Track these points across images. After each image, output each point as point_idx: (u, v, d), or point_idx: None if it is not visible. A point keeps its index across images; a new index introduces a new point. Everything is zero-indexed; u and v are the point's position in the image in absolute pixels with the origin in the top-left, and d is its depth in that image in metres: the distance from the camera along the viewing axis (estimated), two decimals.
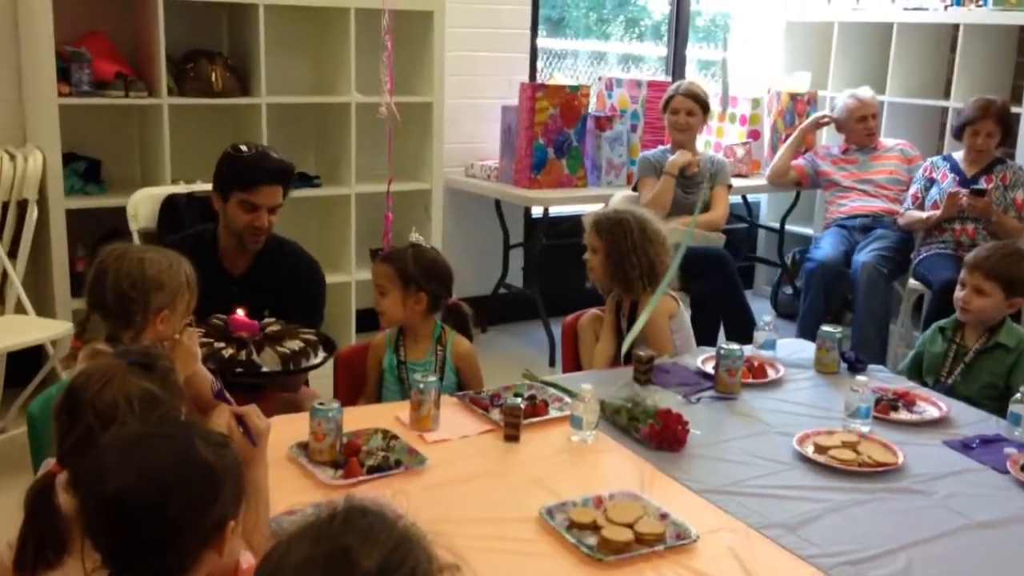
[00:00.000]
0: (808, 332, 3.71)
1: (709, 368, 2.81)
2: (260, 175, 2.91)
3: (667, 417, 2.35)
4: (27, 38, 3.92)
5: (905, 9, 5.41)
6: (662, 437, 2.33)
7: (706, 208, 4.67)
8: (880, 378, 2.88)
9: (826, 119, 5.34)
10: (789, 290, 5.81)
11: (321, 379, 2.98)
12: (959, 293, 3.06)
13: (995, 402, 2.88)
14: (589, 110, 5.06)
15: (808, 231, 5.79)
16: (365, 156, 4.54)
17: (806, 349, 3.07)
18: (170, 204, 3.69)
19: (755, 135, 5.66)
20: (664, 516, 1.96)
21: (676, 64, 6.11)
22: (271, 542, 1.17)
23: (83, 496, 1.35)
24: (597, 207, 3.55)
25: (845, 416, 2.49)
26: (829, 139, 5.59)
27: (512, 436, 2.35)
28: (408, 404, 2.42)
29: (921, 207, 4.75)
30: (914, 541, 1.96)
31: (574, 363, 3.21)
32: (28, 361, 3.71)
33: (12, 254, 3.80)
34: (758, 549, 1.91)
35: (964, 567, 1.90)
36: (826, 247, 4.83)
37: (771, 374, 2.85)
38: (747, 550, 1.90)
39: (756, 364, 2.86)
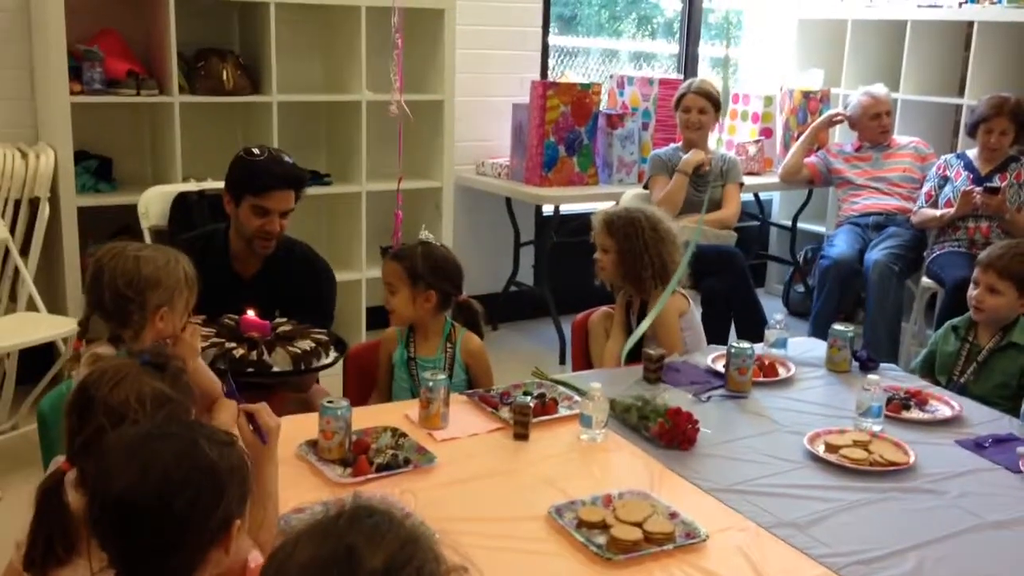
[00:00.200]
0: (821, 330, 3.68)
1: (719, 367, 2.80)
2: (272, 180, 2.90)
3: (677, 416, 2.34)
4: (39, 37, 3.93)
5: (919, 6, 5.38)
6: (672, 436, 2.32)
7: (716, 207, 4.65)
8: (892, 377, 2.86)
9: (839, 117, 5.31)
10: (801, 288, 5.79)
11: (331, 377, 2.98)
12: (972, 292, 3.05)
13: (1008, 401, 2.86)
14: (600, 108, 5.05)
15: (820, 229, 5.77)
16: (376, 154, 4.54)
17: (817, 348, 3.05)
18: (181, 202, 3.70)
19: (767, 133, 5.64)
20: (673, 515, 1.95)
21: (688, 62, 6.09)
22: (279, 540, 1.17)
23: (90, 496, 1.35)
24: (608, 205, 3.53)
25: (856, 415, 2.47)
26: (842, 137, 5.56)
27: (521, 434, 2.35)
28: (417, 402, 2.42)
29: (935, 205, 4.72)
30: (926, 541, 1.94)
31: (584, 361, 3.20)
32: (39, 358, 3.72)
33: (24, 252, 3.81)
34: (768, 548, 1.90)
35: (976, 567, 1.89)
36: (840, 245, 4.81)
37: (782, 373, 2.84)
38: (757, 549, 1.89)
39: (767, 363, 2.85)
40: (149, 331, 2.17)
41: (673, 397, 2.53)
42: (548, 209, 5.19)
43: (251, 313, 2.77)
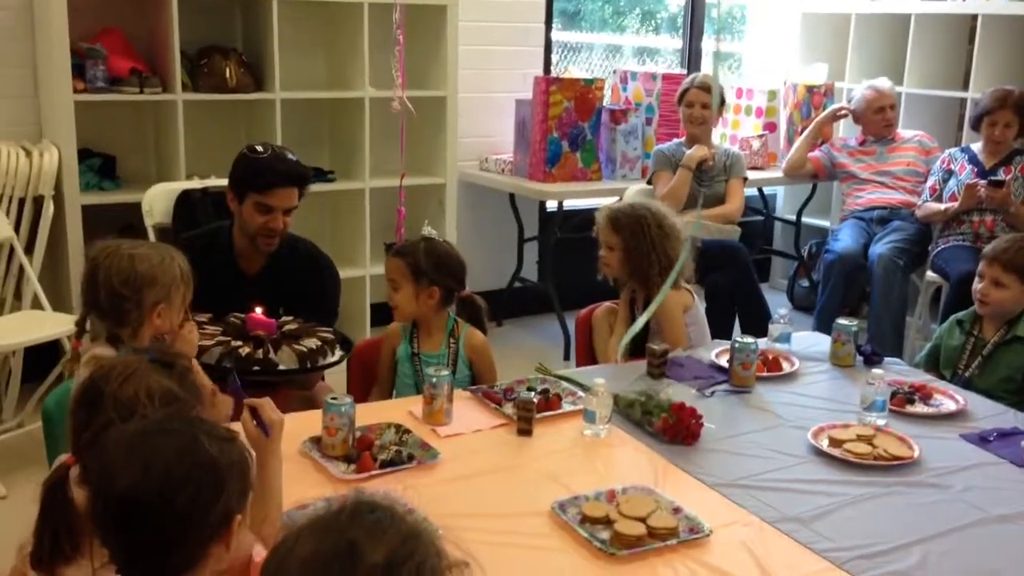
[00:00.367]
0: (826, 324, 3.68)
1: (723, 362, 2.80)
2: (276, 178, 2.90)
3: (681, 411, 2.34)
4: (42, 35, 3.93)
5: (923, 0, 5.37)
6: (675, 431, 2.32)
7: (720, 202, 4.65)
8: (896, 371, 2.86)
9: (843, 111, 5.30)
10: (805, 283, 5.78)
11: (336, 373, 2.98)
12: (977, 285, 3.04)
13: (1013, 395, 2.86)
14: (604, 103, 5.05)
15: (825, 223, 5.76)
16: (379, 151, 4.54)
17: (821, 342, 3.05)
18: (185, 199, 3.70)
19: (771, 127, 5.63)
20: (677, 510, 1.95)
21: (691, 57, 6.08)
22: (281, 535, 1.17)
23: (91, 493, 1.35)
24: (612, 200, 3.53)
25: (860, 409, 2.47)
26: (846, 131, 5.55)
27: (525, 430, 2.35)
28: (421, 398, 2.42)
29: (939, 199, 4.71)
30: (930, 535, 1.94)
31: (588, 356, 3.20)
32: (44, 356, 3.73)
33: (28, 250, 3.81)
34: (772, 543, 1.90)
35: (981, 561, 1.88)
36: (845, 239, 4.80)
37: (786, 367, 2.83)
38: (761, 544, 1.89)
39: (771, 357, 2.84)
40: (147, 329, 2.17)
41: (677, 392, 2.53)
42: (552, 205, 5.19)
43: (258, 311, 2.77)
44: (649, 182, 4.80)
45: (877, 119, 5.08)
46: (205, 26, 4.28)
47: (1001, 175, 4.47)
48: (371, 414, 2.35)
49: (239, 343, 2.67)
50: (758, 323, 4.03)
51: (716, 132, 5.17)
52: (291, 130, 4.31)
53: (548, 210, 5.35)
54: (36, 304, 3.77)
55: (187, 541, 1.30)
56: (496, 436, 2.35)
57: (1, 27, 3.99)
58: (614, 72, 5.58)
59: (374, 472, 2.09)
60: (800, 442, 2.34)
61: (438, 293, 2.73)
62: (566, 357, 4.83)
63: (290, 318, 2.86)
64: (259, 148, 2.97)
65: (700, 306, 3.18)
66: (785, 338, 2.99)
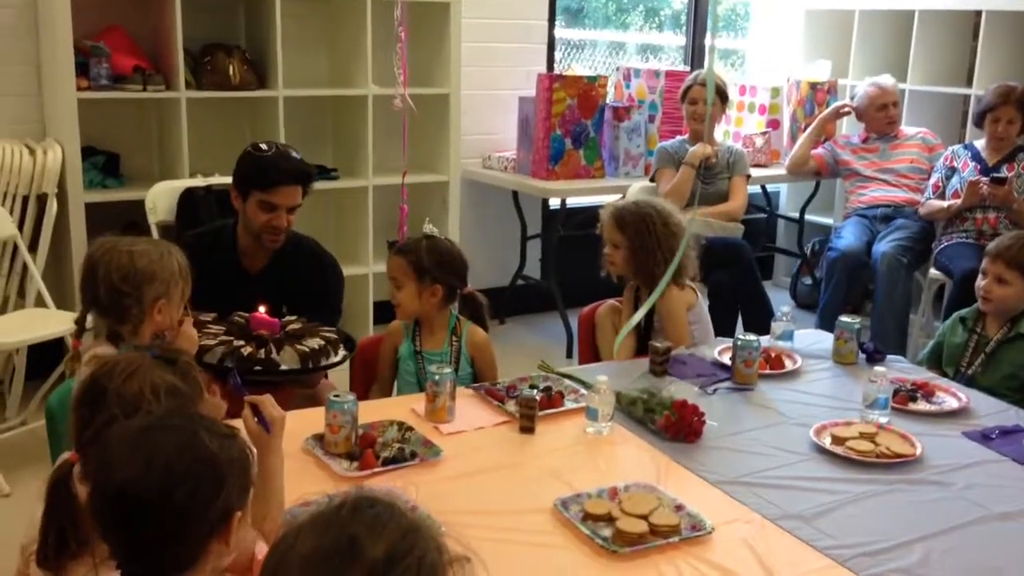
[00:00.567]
0: (829, 322, 3.68)
1: (726, 359, 2.80)
2: (279, 175, 2.90)
3: (683, 408, 2.34)
4: (46, 33, 3.94)
5: None
6: (678, 428, 2.32)
7: (723, 199, 4.65)
8: (899, 368, 2.85)
9: (846, 108, 5.29)
10: (809, 280, 5.78)
11: (339, 371, 2.98)
12: (980, 282, 3.04)
13: (1016, 393, 2.86)
14: (607, 100, 5.04)
15: (828, 221, 5.76)
16: (382, 148, 4.54)
17: (824, 340, 3.05)
18: (188, 197, 3.71)
19: (774, 124, 5.62)
20: (679, 508, 1.96)
21: (695, 54, 6.08)
22: (282, 531, 1.17)
23: (92, 488, 1.36)
24: (615, 198, 3.52)
25: (863, 407, 2.47)
26: (849, 128, 5.55)
27: (527, 428, 2.35)
28: (423, 396, 2.42)
29: (942, 196, 4.71)
30: (932, 532, 1.94)
31: (591, 354, 3.20)
32: (48, 354, 3.73)
33: (32, 248, 3.82)
34: (774, 541, 1.90)
35: (982, 559, 1.88)
36: (848, 236, 4.80)
37: (788, 365, 2.83)
38: (763, 541, 1.89)
39: (773, 355, 2.84)
40: (148, 325, 2.18)
41: (679, 390, 2.52)
42: (555, 202, 5.19)
43: (261, 310, 2.77)
44: (652, 179, 4.80)
45: (880, 116, 5.07)
46: (208, 23, 4.28)
47: (1004, 172, 4.46)
48: (374, 411, 2.36)
49: (241, 343, 2.67)
50: (761, 321, 4.03)
51: (719, 129, 5.15)
52: (294, 127, 4.31)
53: (551, 208, 5.34)
54: (40, 302, 3.78)
55: (186, 537, 1.31)
56: (498, 433, 2.36)
57: (5, 25, 3.99)
58: (617, 69, 5.58)
59: (377, 469, 2.09)
60: (802, 440, 2.34)
61: (440, 291, 2.74)
62: (568, 355, 4.83)
63: (294, 318, 2.86)
64: (263, 146, 2.97)
65: (704, 304, 3.18)
66: (788, 336, 2.99)
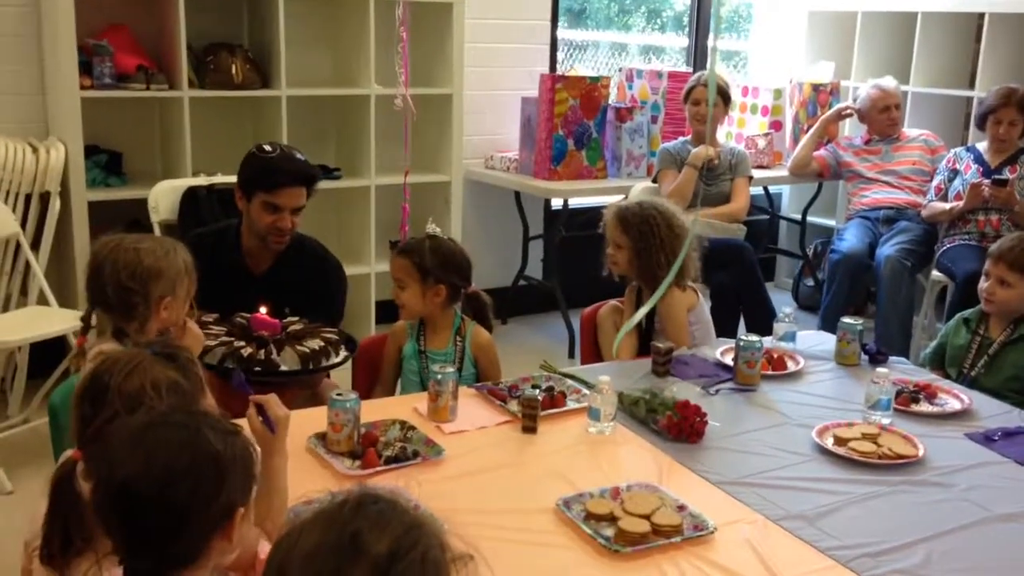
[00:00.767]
0: (831, 324, 3.68)
1: (728, 360, 2.80)
2: (284, 177, 2.90)
3: (685, 409, 2.34)
4: (49, 32, 3.94)
5: None
6: (680, 429, 2.32)
7: (725, 200, 4.65)
8: (901, 370, 2.85)
9: (848, 110, 5.29)
10: (811, 282, 5.78)
11: (341, 370, 2.99)
12: (983, 284, 3.04)
13: (1019, 394, 2.86)
14: (609, 101, 5.04)
15: (830, 223, 5.76)
16: (385, 148, 4.54)
17: (826, 341, 3.05)
18: (190, 196, 3.71)
19: (777, 126, 5.62)
20: (681, 508, 1.96)
21: (697, 55, 6.08)
22: (285, 529, 1.17)
23: (94, 483, 1.36)
24: (617, 199, 3.52)
25: (865, 408, 2.47)
26: (852, 130, 5.55)
27: (530, 427, 2.35)
28: (426, 395, 2.42)
29: (944, 198, 4.71)
30: (934, 534, 1.94)
31: (593, 354, 3.20)
32: (50, 352, 3.74)
33: (35, 246, 3.82)
34: (776, 541, 1.90)
35: (985, 560, 1.88)
36: (851, 239, 4.79)
37: (790, 366, 2.83)
38: (765, 542, 1.89)
39: (775, 356, 2.84)
40: (154, 322, 2.18)
41: (681, 390, 2.53)
42: (557, 203, 5.19)
43: (263, 311, 2.77)
44: (654, 180, 4.80)
45: (882, 118, 5.07)
46: (211, 23, 4.28)
47: (1006, 174, 4.46)
48: (376, 410, 2.36)
49: (242, 343, 2.67)
50: (763, 322, 4.03)
51: (721, 130, 5.15)
52: (297, 127, 4.31)
53: (553, 208, 5.35)
54: (42, 300, 3.78)
55: (189, 533, 1.31)
56: (501, 433, 2.36)
57: (8, 24, 4.00)
58: (620, 70, 5.58)
59: (379, 468, 2.09)
60: (805, 440, 2.34)
61: (444, 291, 2.74)
62: (570, 355, 4.84)
63: (295, 319, 2.86)
64: (267, 147, 2.97)
65: (705, 305, 3.18)
66: (790, 337, 2.99)
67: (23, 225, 3.80)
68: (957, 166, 4.71)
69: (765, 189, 5.81)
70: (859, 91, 5.30)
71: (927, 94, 5.39)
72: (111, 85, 3.94)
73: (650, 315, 2.98)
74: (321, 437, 2.19)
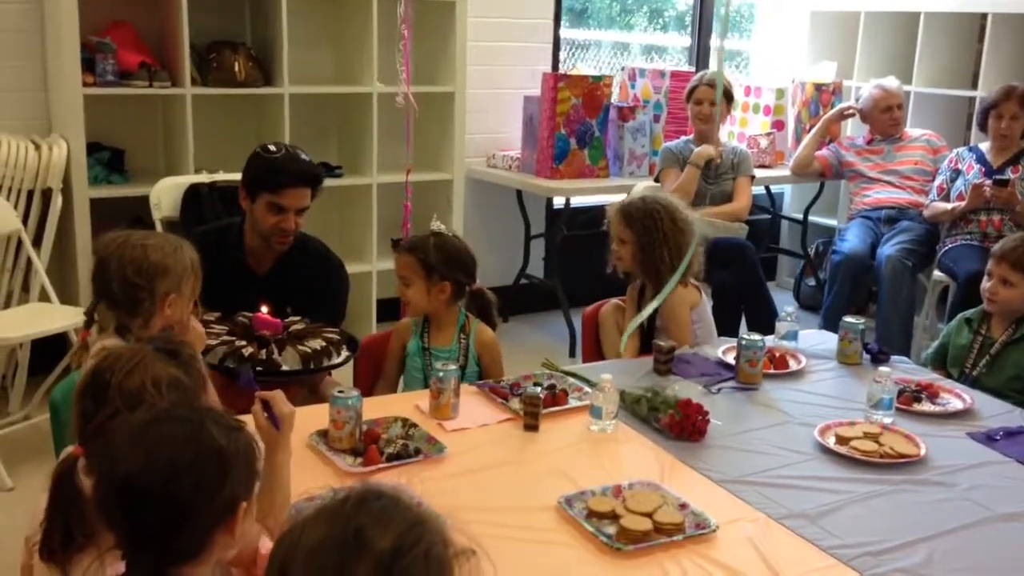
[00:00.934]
0: (832, 324, 3.68)
1: (730, 359, 2.80)
2: (288, 178, 2.89)
3: (687, 407, 2.34)
4: (52, 28, 3.94)
5: None
6: (682, 427, 2.32)
7: (727, 200, 4.65)
8: (903, 369, 2.85)
9: (851, 110, 5.29)
10: (812, 282, 5.77)
11: (343, 368, 2.98)
12: (986, 284, 3.04)
13: (1021, 394, 2.86)
14: (612, 100, 5.04)
15: (832, 222, 5.75)
16: (387, 146, 4.54)
17: (828, 340, 3.04)
18: (192, 194, 3.71)
19: (779, 125, 5.62)
20: (683, 506, 1.95)
21: (700, 54, 6.07)
22: (287, 526, 1.17)
23: (96, 478, 1.36)
24: (619, 198, 3.52)
25: (867, 407, 2.47)
26: (854, 130, 5.54)
27: (531, 425, 2.35)
28: (428, 392, 2.42)
29: (946, 198, 4.70)
30: (936, 533, 1.94)
31: (595, 353, 3.20)
32: (51, 349, 3.74)
33: (36, 242, 3.82)
34: (778, 539, 1.90)
35: (986, 559, 1.88)
36: (852, 239, 4.79)
37: (792, 365, 2.83)
38: (767, 540, 1.88)
39: (777, 355, 2.84)
40: (158, 318, 2.18)
41: (683, 389, 2.53)
42: (559, 202, 5.19)
43: (264, 310, 2.77)
44: (657, 179, 4.80)
45: (884, 118, 5.06)
46: (214, 20, 4.28)
47: (1008, 174, 4.46)
48: (378, 408, 2.36)
49: (243, 343, 2.66)
50: (764, 321, 4.03)
51: (724, 130, 5.15)
52: (299, 125, 4.31)
53: (555, 207, 5.35)
54: (44, 297, 3.79)
55: (191, 527, 1.31)
56: (502, 431, 2.36)
57: (11, 21, 4.00)
58: (622, 69, 5.58)
59: (381, 465, 2.09)
60: (807, 439, 2.34)
61: (449, 288, 2.74)
62: (571, 354, 4.84)
63: (297, 318, 2.86)
64: (272, 148, 2.96)
65: (707, 303, 3.18)
66: (792, 336, 2.99)
67: (25, 222, 3.80)
68: (959, 166, 4.71)
69: (767, 188, 5.81)
70: (861, 91, 5.30)
71: (929, 94, 5.38)
72: (114, 82, 3.94)
73: (652, 313, 2.98)
74: (323, 434, 2.19)
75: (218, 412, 1.43)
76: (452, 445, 2.21)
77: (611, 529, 1.87)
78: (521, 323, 5.31)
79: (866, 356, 2.90)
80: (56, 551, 1.53)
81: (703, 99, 4.68)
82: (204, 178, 3.80)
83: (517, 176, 4.99)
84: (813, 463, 2.24)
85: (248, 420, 1.65)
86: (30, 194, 3.81)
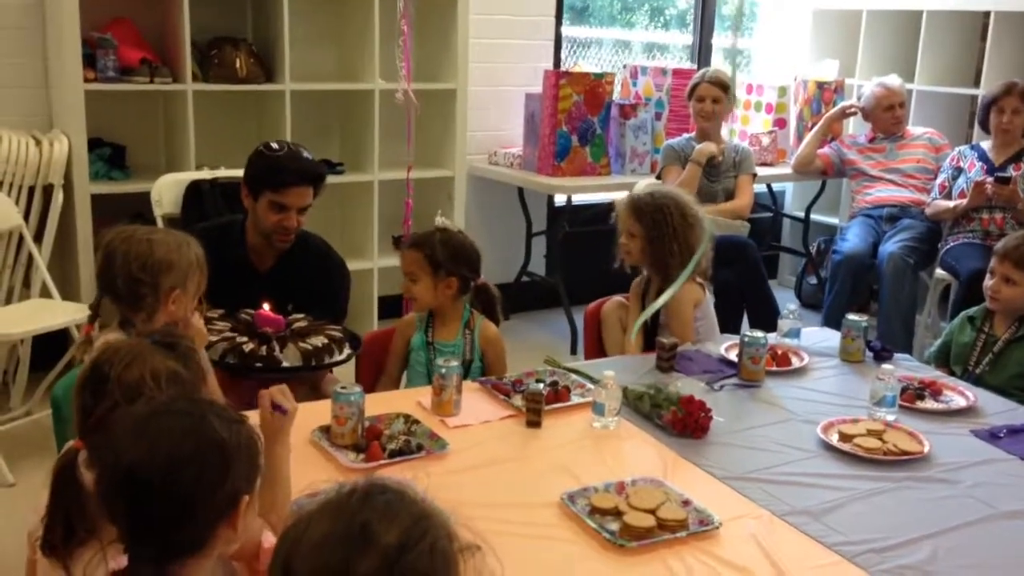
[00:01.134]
0: (833, 323, 3.68)
1: (732, 356, 2.79)
2: (291, 176, 2.89)
3: (690, 404, 2.33)
4: (53, 25, 3.94)
5: None
6: (684, 424, 2.31)
7: (729, 197, 4.65)
8: (906, 367, 2.85)
9: (853, 108, 5.29)
10: (813, 280, 5.77)
11: (345, 364, 2.98)
12: (988, 282, 3.04)
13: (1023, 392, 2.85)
14: (613, 98, 5.03)
15: (833, 221, 5.75)
16: (388, 143, 4.54)
17: (831, 338, 3.04)
18: (194, 190, 3.70)
19: (781, 123, 5.62)
20: (686, 503, 1.95)
21: (702, 52, 6.06)
22: (291, 520, 1.17)
23: (98, 471, 1.35)
24: (620, 195, 3.51)
25: (870, 404, 2.46)
26: (856, 128, 5.54)
27: (534, 422, 2.34)
28: (430, 389, 2.42)
29: (948, 196, 4.70)
30: (939, 530, 1.93)
31: (597, 350, 3.19)
32: (53, 345, 3.74)
33: (38, 238, 3.82)
34: (782, 536, 1.89)
35: (990, 557, 1.88)
36: (853, 239, 4.78)
37: (795, 362, 2.82)
38: (770, 537, 1.88)
39: (780, 352, 2.83)
40: (162, 314, 2.18)
41: (686, 385, 2.52)
42: (560, 199, 5.18)
43: (266, 307, 2.76)
44: (658, 177, 4.79)
45: (886, 117, 5.06)
46: (216, 17, 4.28)
47: (1010, 172, 4.45)
48: (380, 404, 2.35)
49: (244, 339, 2.66)
50: (766, 319, 4.02)
51: (725, 128, 5.14)
52: (301, 122, 4.31)
53: (556, 204, 5.34)
54: (45, 293, 3.78)
55: (193, 520, 1.30)
56: (505, 427, 2.35)
57: (12, 17, 3.99)
58: (624, 67, 5.57)
59: (383, 461, 2.09)
60: (810, 436, 2.34)
61: (456, 283, 2.74)
62: (573, 352, 4.83)
63: (301, 315, 2.85)
64: (275, 146, 2.95)
65: (710, 301, 3.17)
66: (794, 333, 2.98)
67: (26, 218, 3.80)
68: (961, 164, 4.70)
69: (768, 187, 5.81)
70: (863, 89, 5.29)
71: (932, 92, 5.38)
72: (115, 78, 3.94)
73: (657, 310, 2.98)
74: (325, 430, 2.19)
75: (220, 405, 1.43)
76: (454, 442, 2.20)
77: (614, 525, 1.87)
78: (522, 321, 5.30)
79: (869, 353, 2.89)
80: (57, 546, 1.52)
81: (705, 96, 4.67)
82: (206, 175, 3.79)
83: (519, 173, 4.98)
84: (816, 460, 2.24)
85: (250, 415, 1.64)
86: (31, 190, 3.80)
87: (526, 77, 5.15)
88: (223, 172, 3.77)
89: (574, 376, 2.61)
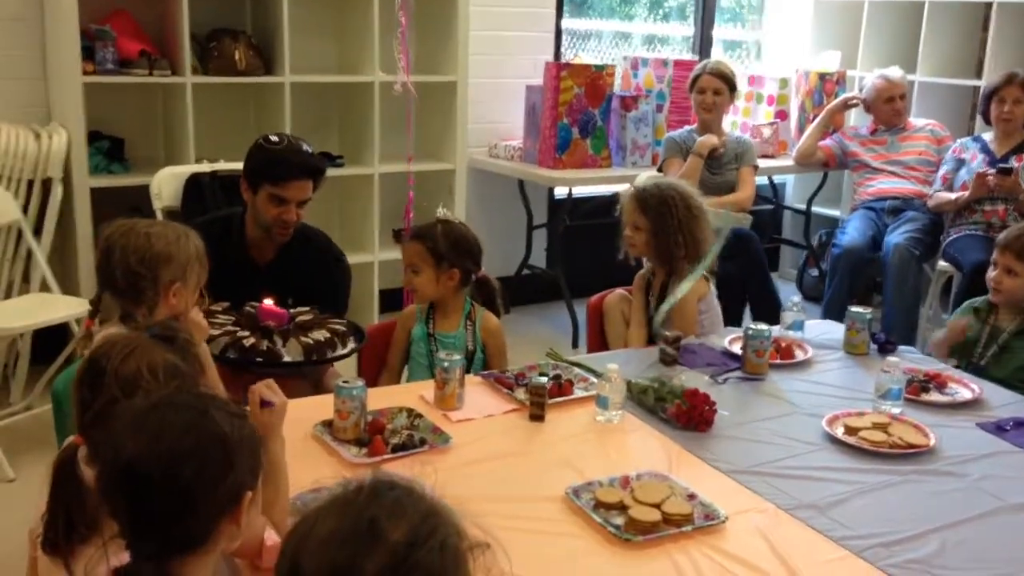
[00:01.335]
0: (834, 317, 3.66)
1: (736, 349, 2.78)
2: (290, 170, 2.87)
3: (694, 397, 2.32)
4: (52, 17, 3.92)
5: None
6: (689, 417, 2.30)
7: (731, 190, 4.63)
8: (910, 359, 2.83)
9: (854, 100, 5.27)
10: (815, 272, 5.76)
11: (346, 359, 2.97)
12: (991, 273, 3.02)
13: None
14: (614, 90, 5.01)
15: (835, 213, 5.73)
16: (388, 136, 4.52)
17: (834, 330, 3.03)
18: (193, 183, 3.68)
19: (782, 115, 5.60)
20: (692, 496, 1.94)
21: (703, 44, 6.04)
22: (294, 518, 1.15)
23: (99, 465, 1.33)
24: (622, 188, 3.50)
25: (875, 397, 2.45)
26: (858, 120, 5.52)
27: (537, 416, 2.33)
28: (432, 383, 2.41)
29: (950, 188, 4.68)
30: (947, 523, 1.92)
31: (600, 343, 3.18)
32: (53, 339, 3.72)
33: (37, 232, 3.81)
34: (788, 530, 1.88)
35: (997, 549, 1.87)
36: (852, 232, 4.77)
37: (799, 355, 2.81)
38: (776, 531, 1.87)
39: (784, 345, 2.82)
40: (162, 308, 2.16)
41: (690, 379, 2.51)
42: (561, 192, 5.16)
43: (268, 301, 2.75)
44: (660, 169, 4.77)
45: (887, 108, 5.04)
46: (215, 9, 4.26)
47: (1012, 163, 4.44)
48: (383, 398, 2.34)
49: (245, 333, 2.64)
50: (769, 312, 4.01)
51: (727, 120, 5.12)
52: (300, 114, 4.29)
53: (557, 197, 5.33)
54: (44, 287, 3.77)
55: (195, 515, 1.28)
56: (508, 421, 2.34)
57: (11, 8, 3.97)
58: (625, 58, 5.55)
59: (386, 456, 2.07)
60: (815, 430, 2.33)
61: (458, 275, 2.73)
62: (574, 345, 4.82)
63: (306, 308, 2.84)
64: (274, 139, 2.93)
65: (714, 294, 3.16)
66: (798, 326, 2.97)
67: (25, 211, 3.78)
68: (963, 156, 4.68)
69: (770, 179, 5.79)
70: (865, 80, 5.27)
71: (934, 83, 5.36)
72: (113, 71, 3.92)
73: (659, 303, 2.97)
74: (327, 425, 2.17)
75: (222, 399, 1.41)
76: (457, 436, 2.19)
77: (619, 520, 1.86)
78: (523, 314, 5.29)
79: (873, 346, 2.88)
80: (58, 543, 1.50)
81: (706, 88, 4.65)
82: (205, 167, 3.78)
83: (519, 166, 4.97)
84: (822, 453, 2.22)
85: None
86: (30, 184, 3.78)
87: (526, 69, 5.13)
88: (223, 165, 3.75)
89: (577, 369, 2.60)
